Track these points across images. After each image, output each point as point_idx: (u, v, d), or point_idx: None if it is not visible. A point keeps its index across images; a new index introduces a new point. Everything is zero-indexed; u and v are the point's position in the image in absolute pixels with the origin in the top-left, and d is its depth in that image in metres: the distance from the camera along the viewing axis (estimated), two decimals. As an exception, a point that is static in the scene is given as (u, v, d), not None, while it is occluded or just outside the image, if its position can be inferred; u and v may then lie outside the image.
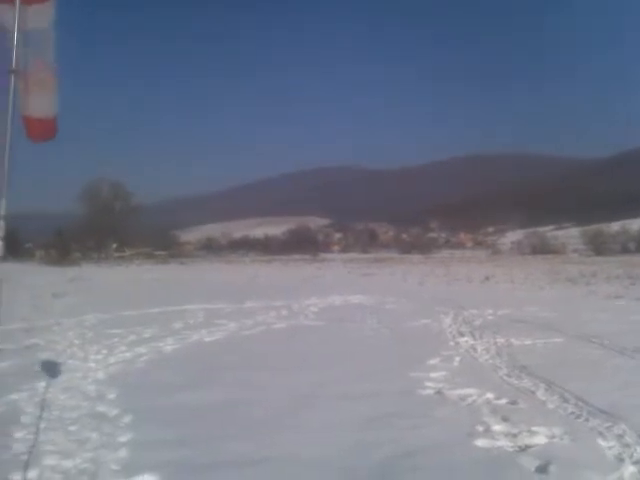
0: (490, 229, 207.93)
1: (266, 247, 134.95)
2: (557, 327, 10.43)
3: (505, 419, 4.98)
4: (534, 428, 4.72)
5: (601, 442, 4.41)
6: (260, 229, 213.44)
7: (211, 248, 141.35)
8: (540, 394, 5.85)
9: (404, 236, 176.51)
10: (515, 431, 4.68)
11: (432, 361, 7.59)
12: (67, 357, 8.14)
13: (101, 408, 5.52)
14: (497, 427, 4.79)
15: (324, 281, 27.57)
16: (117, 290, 23.03)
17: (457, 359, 7.76)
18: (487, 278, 27.25)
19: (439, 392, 5.99)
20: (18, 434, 4.70)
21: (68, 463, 4.07)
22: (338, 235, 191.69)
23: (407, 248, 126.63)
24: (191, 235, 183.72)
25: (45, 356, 8.18)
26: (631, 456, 4.11)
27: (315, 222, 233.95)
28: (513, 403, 5.51)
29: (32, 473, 3.90)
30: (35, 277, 32.04)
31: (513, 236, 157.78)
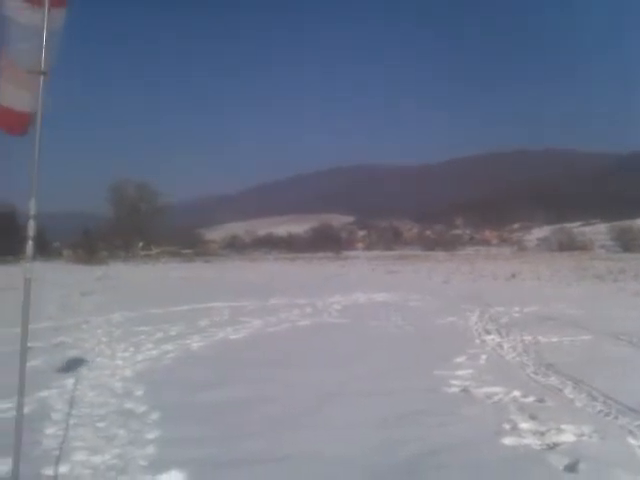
0: (516, 225, 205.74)
1: (290, 245, 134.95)
2: (584, 324, 10.30)
3: (532, 417, 4.93)
4: (562, 426, 4.67)
5: (631, 440, 4.35)
6: (284, 227, 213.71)
7: (235, 246, 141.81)
8: (568, 392, 5.78)
9: (428, 233, 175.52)
10: (543, 429, 4.63)
11: (458, 359, 7.55)
12: (95, 355, 8.26)
13: (129, 405, 5.59)
14: (524, 425, 4.74)
15: (348, 279, 27.53)
16: (144, 288, 23.26)
17: (483, 357, 7.71)
18: (513, 275, 26.98)
19: (465, 390, 5.96)
20: (49, 430, 4.79)
21: (97, 459, 4.13)
22: (362, 233, 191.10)
23: (431, 245, 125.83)
24: (216, 233, 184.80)
25: (73, 354, 8.30)
26: (662, 455, 4.05)
27: (338, 220, 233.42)
28: (540, 401, 5.45)
29: (63, 468, 3.97)
30: (63, 276, 32.49)
31: (539, 232, 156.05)
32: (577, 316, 11.55)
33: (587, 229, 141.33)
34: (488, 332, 9.78)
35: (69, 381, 6.58)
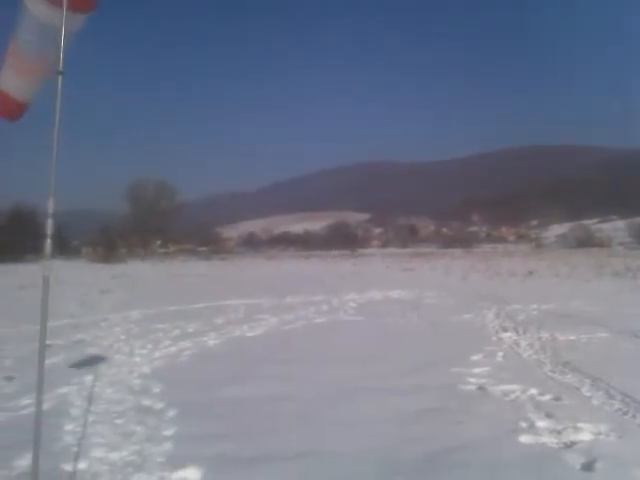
0: (533, 222, 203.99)
1: (305, 243, 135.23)
2: (602, 322, 10.21)
3: (549, 415, 4.91)
4: (579, 424, 4.64)
5: (649, 439, 4.31)
6: (300, 225, 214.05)
7: (252, 244, 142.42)
8: (585, 390, 5.74)
9: (444, 230, 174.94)
10: (560, 427, 4.60)
11: (475, 356, 7.52)
12: (113, 352, 8.33)
13: (146, 402, 5.63)
14: (541, 423, 4.72)
15: (363, 276, 27.53)
16: (161, 286, 23.43)
17: (500, 354, 7.68)
18: (530, 272, 26.81)
19: (482, 388, 5.94)
20: (68, 426, 4.84)
21: (115, 455, 4.18)
22: (378, 230, 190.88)
23: (448, 242, 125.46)
24: (232, 231, 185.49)
25: (92, 351, 8.39)
26: (681, 454, 4.01)
27: (354, 217, 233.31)
28: (557, 399, 5.42)
29: (82, 464, 4.02)
30: (82, 274, 32.81)
31: (557, 229, 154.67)
32: (595, 313, 11.45)
33: (605, 226, 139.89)
34: (505, 329, 9.73)
35: (88, 378, 6.65)
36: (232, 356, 8.01)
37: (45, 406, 4.30)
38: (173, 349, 8.53)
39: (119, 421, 5.01)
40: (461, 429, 4.66)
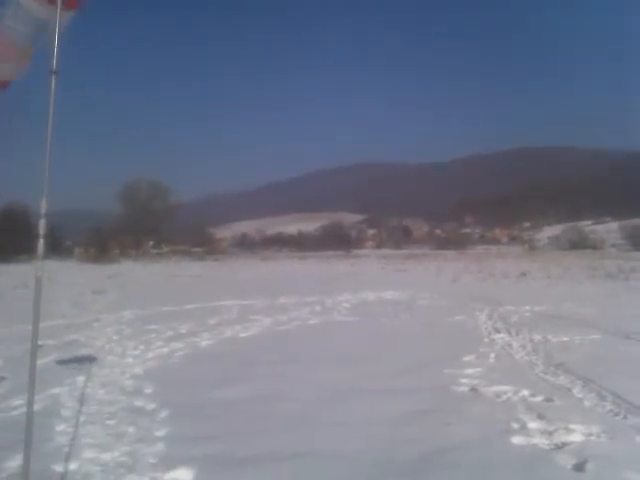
0: (526, 224, 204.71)
1: (299, 243, 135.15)
2: (595, 323, 10.25)
3: (541, 416, 4.93)
4: (571, 426, 4.66)
5: (640, 440, 4.34)
6: (294, 226, 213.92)
7: (245, 245, 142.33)
8: (577, 391, 5.77)
9: (438, 232, 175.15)
10: (551, 429, 4.62)
11: (467, 358, 7.54)
12: (106, 353, 8.31)
13: (138, 403, 5.63)
14: (533, 424, 4.74)
15: (357, 277, 27.53)
16: (154, 287, 23.36)
17: (492, 356, 7.70)
18: (523, 274, 26.87)
19: (474, 389, 5.95)
20: (59, 427, 4.83)
21: (106, 456, 4.17)
22: (372, 231, 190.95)
23: (441, 244, 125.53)
24: (226, 232, 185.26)
25: (85, 352, 8.36)
26: (671, 455, 4.03)
27: (348, 218, 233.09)
28: (549, 400, 5.44)
29: (73, 465, 4.01)
30: (75, 274, 32.68)
31: (550, 231, 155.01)
32: (587, 315, 11.49)
33: (598, 227, 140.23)
34: (497, 331, 9.76)
35: (80, 378, 6.63)
36: (225, 357, 8.00)
37: (36, 407, 4.29)
38: (166, 350, 8.51)
39: (111, 422, 5.00)
40: (453, 430, 4.67)
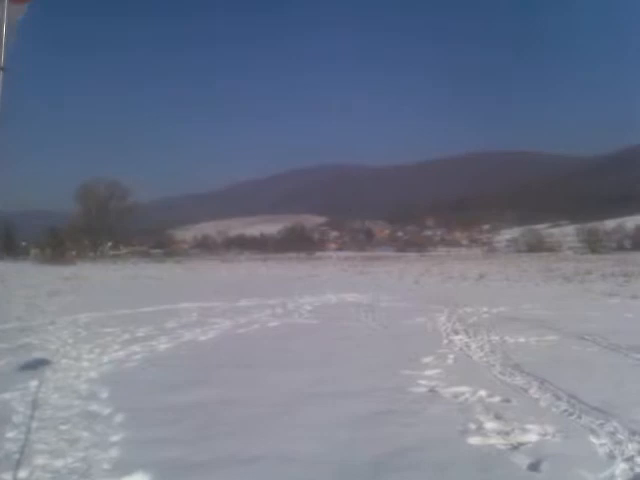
0: (485, 227, 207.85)
1: (262, 245, 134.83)
2: (551, 325, 10.45)
3: (498, 417, 4.98)
4: (526, 426, 4.72)
5: (593, 439, 4.42)
6: (256, 227, 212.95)
7: (207, 246, 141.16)
8: (533, 392, 5.86)
9: (400, 234, 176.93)
10: (508, 429, 4.68)
11: (426, 359, 7.59)
12: (60, 356, 8.12)
13: (93, 407, 5.50)
14: (490, 425, 4.79)
15: (320, 279, 27.55)
16: (112, 289, 22.98)
17: (451, 357, 7.77)
18: (482, 276, 27.29)
19: (432, 390, 6.00)
20: (9, 434, 4.68)
21: (59, 462, 4.06)
22: (334, 233, 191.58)
23: (403, 246, 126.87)
24: (187, 233, 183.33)
25: (39, 355, 8.15)
26: (622, 453, 4.12)
27: (311, 220, 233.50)
28: (506, 401, 5.51)
29: (22, 473, 3.89)
30: (30, 276, 31.96)
31: (508, 234, 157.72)
32: (544, 317, 11.71)
33: (555, 231, 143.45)
34: (456, 332, 9.86)
35: (33, 383, 6.45)
36: (183, 361, 7.90)
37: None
38: (122, 353, 8.35)
39: (64, 427, 4.88)
40: (412, 431, 4.69)
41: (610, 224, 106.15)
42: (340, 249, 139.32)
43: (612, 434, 4.51)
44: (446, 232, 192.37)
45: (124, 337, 9.76)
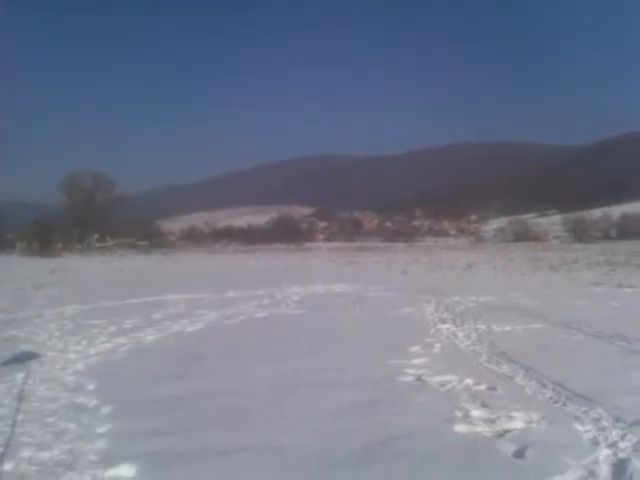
0: (473, 217, 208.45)
1: (249, 236, 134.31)
2: (538, 313, 10.52)
3: (484, 405, 5.02)
4: (512, 413, 4.76)
5: (578, 426, 4.46)
6: (243, 218, 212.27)
7: (194, 238, 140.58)
8: (519, 380, 5.90)
9: (388, 224, 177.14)
10: (494, 416, 4.72)
11: (413, 348, 7.62)
12: (47, 349, 8.08)
13: (80, 399, 5.49)
14: (476, 413, 4.82)
15: (308, 270, 27.57)
16: (99, 281, 22.86)
17: (438, 346, 7.81)
18: (469, 265, 27.43)
19: (419, 379, 6.03)
20: (-5, 426, 4.66)
21: (45, 455, 4.05)
22: (322, 224, 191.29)
23: (391, 236, 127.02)
24: (174, 225, 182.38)
25: (25, 348, 8.10)
26: (606, 439, 4.17)
27: (299, 211, 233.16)
28: (492, 389, 5.55)
29: (8, 465, 3.87)
30: (16, 268, 31.73)
31: (496, 223, 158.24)
32: (530, 305, 11.79)
33: (542, 220, 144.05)
34: (443, 321, 9.91)
35: (19, 375, 6.42)
36: (170, 352, 7.89)
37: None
38: (109, 345, 8.32)
39: (51, 419, 4.86)
40: (399, 420, 4.72)
41: (596, 213, 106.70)
42: (329, 240, 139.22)
43: (597, 421, 4.56)
44: (434, 222, 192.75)
45: (111, 329, 9.71)
